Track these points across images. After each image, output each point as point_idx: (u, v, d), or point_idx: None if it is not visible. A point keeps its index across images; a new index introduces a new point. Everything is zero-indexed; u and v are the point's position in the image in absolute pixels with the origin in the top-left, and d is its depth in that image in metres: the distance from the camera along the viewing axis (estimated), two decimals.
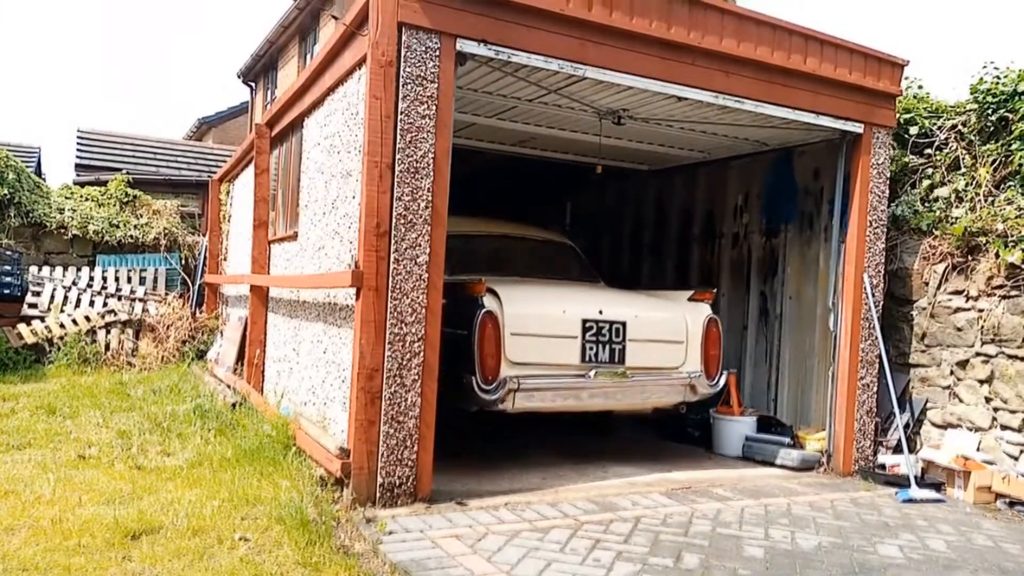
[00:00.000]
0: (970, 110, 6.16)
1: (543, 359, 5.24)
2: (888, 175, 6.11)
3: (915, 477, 5.47)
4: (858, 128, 5.93)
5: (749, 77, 5.41)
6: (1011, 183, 5.79)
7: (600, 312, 5.48)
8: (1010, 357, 5.49)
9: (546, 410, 5.40)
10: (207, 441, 5.57)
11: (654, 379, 5.65)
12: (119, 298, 10.29)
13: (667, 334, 5.76)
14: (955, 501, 5.31)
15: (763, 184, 7.13)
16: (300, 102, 6.33)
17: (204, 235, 11.55)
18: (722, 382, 5.97)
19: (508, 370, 5.05)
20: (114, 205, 11.33)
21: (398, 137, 4.35)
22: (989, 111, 5.97)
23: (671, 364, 5.75)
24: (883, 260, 6.10)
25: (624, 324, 5.52)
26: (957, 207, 6.01)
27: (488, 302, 5.08)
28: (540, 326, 5.27)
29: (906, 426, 5.98)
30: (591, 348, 5.38)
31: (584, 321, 5.39)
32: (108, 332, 9.79)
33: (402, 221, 4.36)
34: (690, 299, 6.02)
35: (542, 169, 8.66)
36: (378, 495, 4.31)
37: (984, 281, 5.71)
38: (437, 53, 4.44)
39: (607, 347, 5.43)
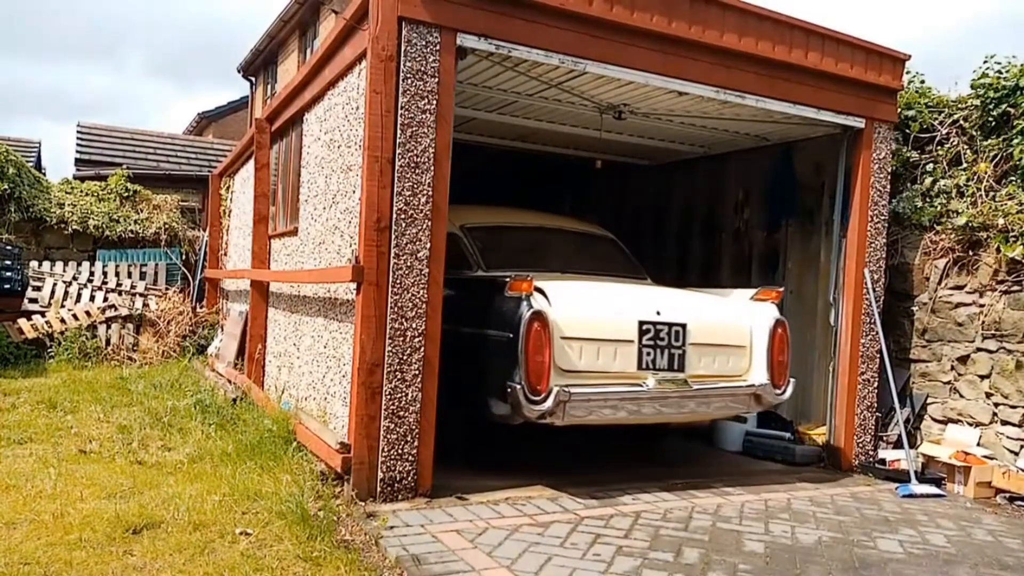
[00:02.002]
0: (972, 105, 6.15)
1: (595, 366, 4.72)
2: (889, 170, 6.10)
3: (915, 472, 5.47)
4: (859, 123, 5.92)
5: (750, 72, 5.39)
6: (1012, 178, 5.78)
7: (658, 313, 4.94)
8: (1011, 352, 5.49)
9: (598, 423, 4.89)
10: (208, 436, 5.57)
11: (717, 388, 5.09)
12: (119, 293, 10.29)
13: (730, 338, 5.24)
14: (955, 496, 5.31)
15: (764, 179, 7.12)
16: (300, 97, 6.32)
17: (204, 230, 11.55)
18: (789, 391, 5.36)
19: (557, 379, 4.54)
20: (114, 200, 11.33)
21: (398, 132, 4.34)
22: (991, 106, 5.96)
23: (734, 372, 5.22)
24: (884, 255, 6.09)
25: (684, 327, 4.98)
26: (958, 202, 6.00)
27: (536, 301, 4.55)
28: (593, 329, 4.75)
29: (906, 421, 5.98)
30: (648, 354, 4.85)
31: (641, 323, 4.85)
32: (108, 327, 9.79)
33: (403, 216, 4.35)
34: (753, 298, 5.49)
35: (540, 165, 8.65)
36: (379, 490, 4.32)
37: (985, 276, 5.70)
38: (437, 48, 4.42)
39: (666, 352, 4.90)
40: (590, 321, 4.77)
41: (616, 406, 4.75)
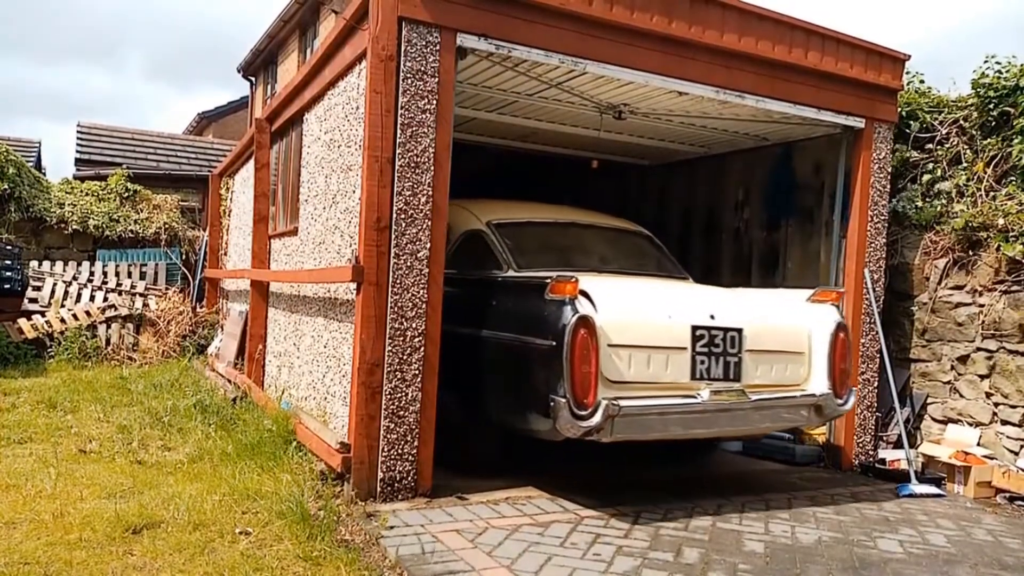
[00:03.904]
0: (971, 105, 6.15)
1: (645, 377, 4.30)
2: (889, 170, 6.10)
3: (915, 472, 5.47)
4: (859, 123, 5.92)
5: (750, 72, 5.40)
6: (1012, 178, 5.79)
7: (712, 317, 4.54)
8: (1011, 352, 5.49)
9: (648, 439, 4.50)
10: (208, 436, 5.57)
11: (775, 400, 4.69)
12: (119, 293, 10.29)
13: (788, 344, 4.82)
14: (955, 496, 5.31)
15: (764, 179, 7.12)
16: (300, 97, 6.32)
17: (204, 230, 11.55)
18: (851, 402, 4.96)
19: (604, 391, 4.13)
20: (114, 200, 11.34)
21: (398, 132, 4.34)
22: (990, 106, 5.96)
23: (792, 381, 4.82)
24: (884, 255, 6.09)
25: (740, 332, 4.58)
26: (958, 202, 6.00)
27: (582, 305, 4.13)
28: (643, 335, 4.34)
29: (906, 421, 5.98)
30: (702, 362, 4.44)
31: (694, 328, 4.44)
32: (108, 327, 9.79)
33: (403, 216, 4.35)
34: (811, 300, 5.06)
35: (540, 164, 8.64)
36: (379, 490, 4.32)
37: (985, 276, 5.70)
38: (437, 48, 4.43)
39: (721, 361, 4.49)
40: (639, 326, 4.36)
41: (669, 421, 4.34)
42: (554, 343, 4.05)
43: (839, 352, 4.87)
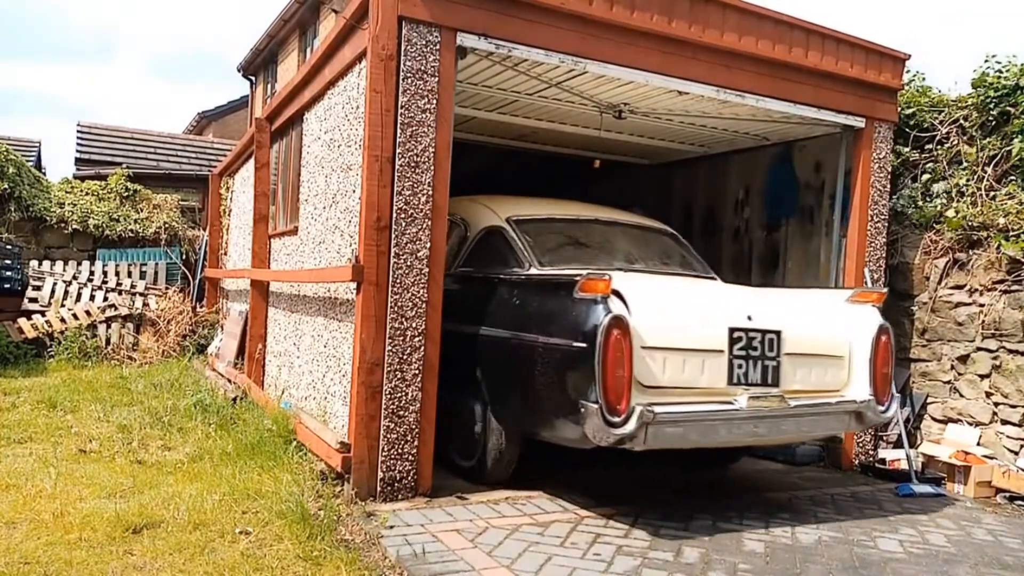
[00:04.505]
0: (971, 104, 6.15)
1: (680, 381, 4.09)
2: (889, 169, 6.10)
3: (915, 472, 5.47)
4: (859, 122, 5.92)
5: (750, 71, 5.40)
6: (1012, 177, 5.79)
7: (749, 318, 4.31)
8: (1011, 352, 5.49)
9: (683, 447, 4.26)
10: (208, 435, 5.57)
11: (815, 406, 4.45)
12: (119, 292, 10.29)
13: (828, 347, 4.62)
14: (955, 496, 5.31)
15: (764, 178, 7.12)
16: (300, 96, 6.32)
17: (204, 229, 11.55)
18: (894, 409, 4.73)
19: (638, 396, 3.90)
20: (114, 199, 11.34)
21: (398, 131, 4.34)
22: (991, 105, 5.96)
23: (832, 386, 4.61)
24: (884, 255, 6.09)
25: (779, 334, 4.36)
26: (958, 201, 6.00)
27: (615, 305, 3.89)
28: (678, 337, 4.12)
29: (906, 421, 5.98)
30: (740, 366, 4.22)
31: (732, 330, 4.22)
32: (108, 326, 9.80)
33: (403, 215, 4.35)
34: (851, 300, 4.84)
35: (539, 164, 8.64)
36: (379, 489, 4.32)
37: (985, 276, 5.70)
38: (437, 47, 4.42)
39: (759, 364, 4.28)
40: (675, 328, 4.14)
41: (706, 428, 4.10)
42: (585, 345, 3.81)
43: (881, 356, 4.64)
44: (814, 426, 4.55)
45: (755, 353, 4.28)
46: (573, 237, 5.34)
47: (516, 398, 4.47)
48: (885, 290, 5.09)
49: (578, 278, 3.93)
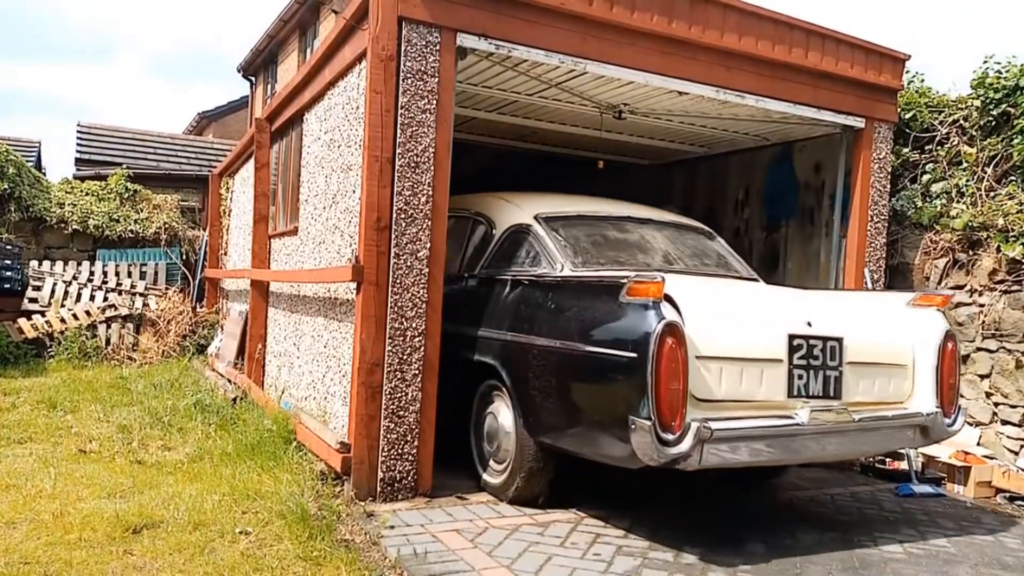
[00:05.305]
0: (971, 105, 6.15)
1: (737, 394, 3.74)
2: (889, 170, 6.11)
3: (915, 472, 5.46)
4: (859, 123, 5.92)
5: (750, 72, 5.40)
6: (1012, 178, 5.79)
7: (809, 324, 3.97)
8: (1011, 352, 5.49)
9: (739, 466, 3.91)
10: (208, 436, 5.57)
11: (879, 419, 4.10)
12: (119, 292, 10.30)
13: (891, 355, 4.27)
14: (955, 496, 5.31)
15: (764, 179, 7.12)
16: (300, 96, 6.32)
17: (204, 230, 11.55)
18: (960, 422, 4.37)
19: (692, 411, 3.53)
20: (114, 200, 11.34)
21: (398, 132, 4.34)
22: (991, 105, 5.96)
23: (895, 397, 4.26)
24: (884, 255, 6.09)
25: (840, 341, 4.00)
26: (958, 202, 6.00)
27: (668, 310, 3.50)
28: (735, 346, 3.77)
29: None
30: (800, 377, 3.87)
31: (791, 337, 3.88)
32: (108, 327, 9.80)
33: (402, 216, 4.36)
34: (913, 304, 4.49)
35: (538, 165, 8.64)
36: (379, 489, 4.32)
37: (985, 276, 5.70)
38: (437, 47, 4.43)
39: (820, 375, 3.93)
40: (731, 335, 3.81)
41: (766, 445, 3.74)
42: (635, 355, 3.44)
43: (948, 365, 4.30)
44: (879, 441, 4.25)
45: (816, 362, 3.93)
46: (606, 236, 4.97)
47: (552, 411, 4.07)
48: (951, 293, 4.72)
49: (624, 280, 3.58)
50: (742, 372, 3.76)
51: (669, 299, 3.54)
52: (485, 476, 4.68)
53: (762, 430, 3.71)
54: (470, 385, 4.83)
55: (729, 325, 3.87)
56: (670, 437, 3.40)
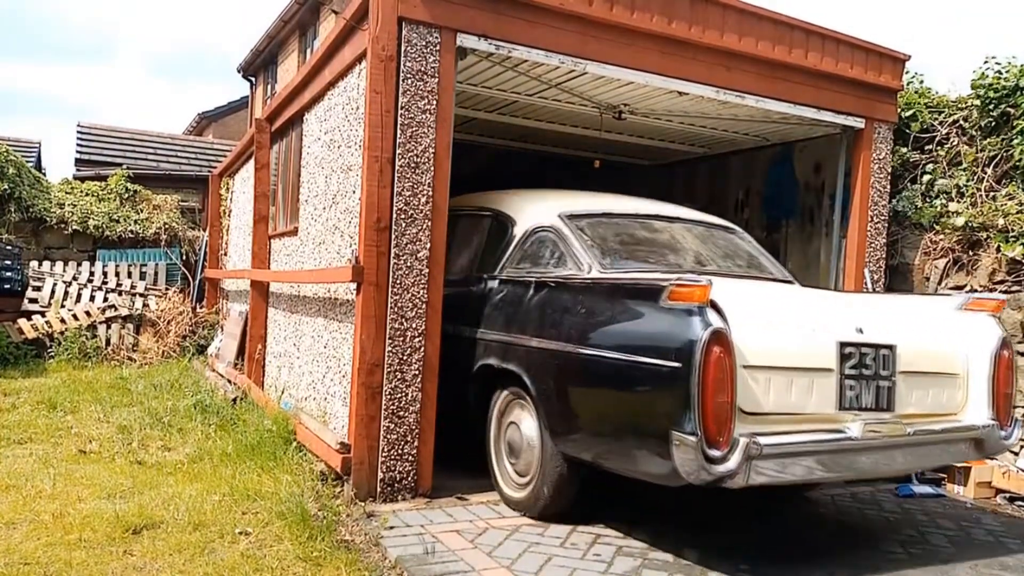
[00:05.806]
0: (971, 105, 6.15)
1: (786, 407, 3.46)
2: (889, 170, 6.11)
3: (915, 472, 5.46)
4: (859, 123, 5.92)
5: (750, 72, 5.40)
6: (1012, 178, 5.79)
7: (860, 331, 3.71)
8: None
9: (787, 484, 3.64)
10: (208, 436, 5.57)
11: (932, 432, 3.83)
12: (119, 293, 10.30)
13: (943, 363, 4.01)
14: (955, 496, 5.31)
15: (764, 179, 7.13)
16: (300, 97, 6.32)
17: (204, 230, 11.55)
18: (1018, 434, 4.09)
19: (739, 426, 3.26)
20: (114, 200, 11.34)
21: (398, 132, 4.34)
22: (990, 106, 5.96)
23: (948, 408, 4.01)
24: (884, 255, 6.09)
25: (893, 349, 3.74)
26: (958, 202, 6.00)
27: (713, 317, 3.21)
28: (784, 354, 3.51)
29: None
30: (851, 387, 3.61)
31: (842, 346, 3.60)
32: (108, 327, 9.80)
33: (403, 216, 4.36)
34: (964, 308, 4.22)
35: (538, 165, 8.64)
36: (379, 490, 4.32)
37: (985, 276, 5.70)
38: (437, 48, 4.43)
39: (872, 385, 3.66)
40: (780, 343, 3.55)
41: (817, 462, 3.47)
42: (678, 365, 3.18)
43: (1003, 374, 4.03)
44: (933, 456, 4.02)
45: (868, 372, 3.67)
46: (634, 235, 4.69)
47: (582, 424, 3.85)
48: (1004, 297, 4.54)
49: (665, 283, 3.33)
50: (791, 383, 3.48)
51: (713, 304, 3.27)
52: (506, 490, 4.41)
53: (813, 445, 3.44)
54: (486, 392, 4.57)
55: (776, 332, 3.62)
56: (717, 454, 3.14)
